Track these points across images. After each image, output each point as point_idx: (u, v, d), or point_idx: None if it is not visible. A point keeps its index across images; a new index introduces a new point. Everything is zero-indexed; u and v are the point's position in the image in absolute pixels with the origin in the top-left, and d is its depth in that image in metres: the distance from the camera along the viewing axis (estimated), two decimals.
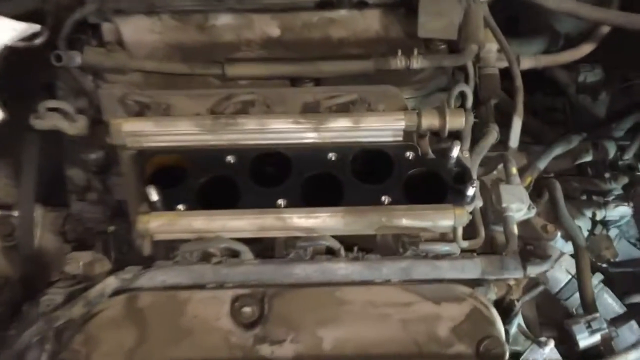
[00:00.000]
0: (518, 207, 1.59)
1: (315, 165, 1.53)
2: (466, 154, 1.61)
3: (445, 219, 1.46)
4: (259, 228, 1.46)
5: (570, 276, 1.67)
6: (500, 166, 1.72)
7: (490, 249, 1.67)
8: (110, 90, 1.61)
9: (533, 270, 1.49)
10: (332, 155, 1.54)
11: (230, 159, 1.55)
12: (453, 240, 1.54)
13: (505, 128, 1.72)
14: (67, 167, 1.82)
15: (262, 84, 1.70)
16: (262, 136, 1.56)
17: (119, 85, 1.65)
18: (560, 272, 1.67)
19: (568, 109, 2.18)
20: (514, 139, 1.74)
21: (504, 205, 1.59)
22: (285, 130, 1.55)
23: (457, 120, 1.56)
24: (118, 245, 1.79)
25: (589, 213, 1.95)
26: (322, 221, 1.46)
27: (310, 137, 1.55)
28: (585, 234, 1.92)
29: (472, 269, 1.42)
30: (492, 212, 1.69)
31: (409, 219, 1.46)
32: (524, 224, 1.70)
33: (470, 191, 1.47)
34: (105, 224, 1.83)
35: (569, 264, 1.68)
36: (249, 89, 1.61)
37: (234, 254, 1.45)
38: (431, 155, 1.57)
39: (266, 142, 1.56)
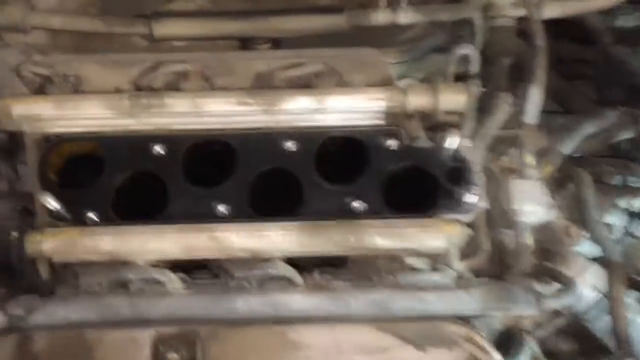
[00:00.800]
0: (533, 209, 1.36)
1: (267, 159, 1.29)
2: (466, 142, 1.29)
3: (435, 238, 1.21)
4: (189, 250, 1.21)
5: (598, 294, 1.43)
6: (512, 151, 1.43)
7: (496, 261, 1.38)
8: (2, 57, 1.28)
9: (551, 304, 1.24)
10: (290, 145, 1.29)
11: (156, 149, 1.28)
12: (445, 262, 1.25)
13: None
14: None
15: (203, 47, 1.46)
16: (199, 120, 1.30)
17: (14, 49, 1.31)
18: (585, 288, 1.42)
19: (601, 62, 1.82)
20: (531, 115, 1.45)
21: (514, 207, 1.35)
22: (229, 113, 1.29)
23: (455, 99, 1.29)
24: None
25: (623, 203, 1.69)
26: (272, 241, 1.21)
27: (261, 120, 1.30)
28: (620, 232, 1.70)
29: (468, 302, 1.20)
30: (500, 214, 1.37)
31: (386, 238, 1.20)
32: (541, 226, 1.40)
33: (471, 197, 1.21)
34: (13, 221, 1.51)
35: (596, 276, 1.44)
36: (182, 56, 1.35)
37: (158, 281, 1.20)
38: (422, 143, 1.29)
39: (204, 128, 1.31)
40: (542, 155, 1.48)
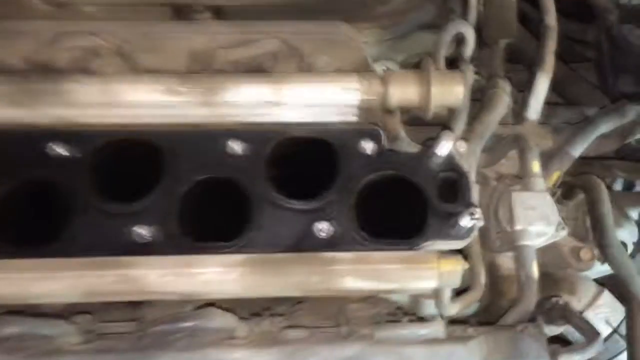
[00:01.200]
0: (541, 229, 1.17)
1: (204, 166, 1.07)
2: (461, 146, 1.10)
3: (423, 278, 1.01)
4: (91, 294, 0.98)
5: (611, 329, 1.29)
6: (512, 154, 1.29)
7: (494, 294, 1.24)
8: None
9: None
10: (235, 148, 1.07)
11: (55, 150, 1.05)
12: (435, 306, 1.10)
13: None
14: None
15: (121, 15, 1.24)
16: (114, 113, 1.07)
17: None
18: (597, 322, 1.27)
19: (605, 43, 1.58)
20: (534, 108, 1.32)
21: (517, 227, 1.17)
22: (155, 104, 1.07)
23: (449, 90, 1.10)
24: None
25: (635, 214, 1.50)
26: (207, 281, 0.99)
27: (198, 115, 1.09)
28: (630, 247, 1.47)
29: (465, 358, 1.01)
30: (500, 236, 1.22)
31: (359, 278, 0.99)
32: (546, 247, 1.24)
33: (468, 219, 1.00)
34: None
35: (610, 307, 1.29)
36: (93, 26, 1.13)
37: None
38: (406, 146, 1.11)
39: (120, 123, 1.08)
40: (548, 158, 1.31)
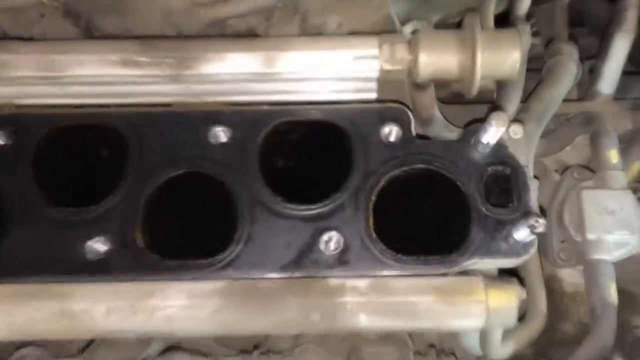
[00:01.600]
0: (621, 240, 0.93)
1: (178, 158, 0.88)
2: (516, 131, 0.88)
3: (465, 315, 0.78)
4: (22, 332, 0.79)
5: None
6: (580, 139, 1.05)
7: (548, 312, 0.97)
8: None
9: None
10: (217, 135, 0.88)
11: None
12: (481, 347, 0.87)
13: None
14: None
15: None
16: (58, 90, 0.88)
17: None
18: None
19: None
20: (610, 80, 1.09)
21: (590, 236, 0.93)
22: (112, 79, 0.87)
23: (502, 59, 0.86)
24: None
25: None
26: (170, 318, 0.77)
27: (167, 93, 0.89)
28: None
29: None
30: (563, 244, 0.99)
31: (374, 315, 0.77)
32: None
33: (526, 233, 0.78)
34: None
35: None
36: None
37: None
38: (442, 131, 0.91)
39: (67, 104, 0.90)
40: (627, 144, 1.06)
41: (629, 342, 0.94)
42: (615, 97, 1.14)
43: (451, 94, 1.01)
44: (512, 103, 0.96)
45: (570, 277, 1.06)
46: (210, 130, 0.87)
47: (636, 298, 1.04)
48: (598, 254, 0.93)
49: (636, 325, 0.98)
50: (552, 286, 1.06)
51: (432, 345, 0.87)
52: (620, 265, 0.99)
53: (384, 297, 0.79)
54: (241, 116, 0.88)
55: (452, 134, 0.90)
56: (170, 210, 0.86)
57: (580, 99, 1.13)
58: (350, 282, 0.78)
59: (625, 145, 1.06)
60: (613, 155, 1.00)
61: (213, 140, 0.87)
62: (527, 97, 1.03)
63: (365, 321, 0.76)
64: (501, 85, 0.97)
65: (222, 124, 0.87)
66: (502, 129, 0.83)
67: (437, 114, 0.92)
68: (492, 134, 0.83)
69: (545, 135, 1.04)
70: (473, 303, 0.78)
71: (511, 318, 0.80)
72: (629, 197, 0.95)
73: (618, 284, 0.96)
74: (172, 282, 0.79)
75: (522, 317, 0.95)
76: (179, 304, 0.78)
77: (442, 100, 0.97)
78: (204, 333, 0.81)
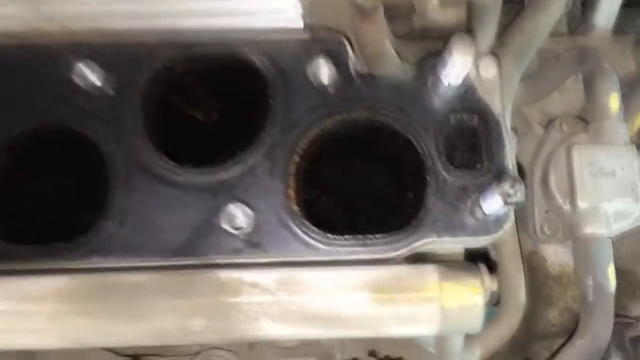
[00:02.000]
0: (623, 209, 0.79)
1: (32, 106, 0.69)
2: (490, 68, 0.72)
3: (411, 319, 0.61)
4: None
5: None
6: (572, 81, 0.91)
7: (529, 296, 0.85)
8: None
9: None
10: (86, 75, 0.69)
11: None
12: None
13: None
14: None
15: None
16: None
17: None
18: None
19: None
20: (607, 11, 0.95)
21: (582, 204, 0.79)
22: None
23: None
24: None
25: None
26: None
27: (16, 17, 0.70)
28: None
29: None
30: (548, 215, 0.86)
31: (280, 320, 0.60)
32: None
33: (498, 202, 0.61)
34: None
35: None
36: None
37: None
38: (391, 68, 0.73)
39: None
40: (629, 89, 0.92)
41: (630, 336, 0.84)
42: (615, 32, 0.99)
43: (414, 29, 0.82)
44: (487, 35, 0.76)
45: (556, 255, 0.94)
46: (74, 70, 0.68)
47: (636, 278, 0.94)
48: (592, 227, 0.80)
49: (638, 316, 0.85)
50: (533, 265, 0.94)
51: (372, 353, 0.69)
52: (618, 241, 0.85)
53: (296, 295, 0.60)
54: (118, 49, 0.70)
55: (405, 73, 0.70)
56: (20, 179, 0.65)
57: (571, 32, 1.00)
58: (249, 276, 0.59)
59: (627, 90, 0.93)
60: (613, 102, 0.85)
61: (80, 82, 0.68)
62: (504, 29, 0.87)
63: (269, 329, 0.58)
64: (473, 13, 0.77)
65: (90, 60, 0.69)
66: (468, 61, 0.65)
67: (389, 50, 0.71)
68: (455, 68, 0.65)
69: (526, 77, 0.89)
70: (422, 302, 0.61)
71: (474, 322, 0.62)
72: (631, 155, 0.81)
73: (616, 264, 0.82)
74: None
75: (496, 304, 0.85)
76: (47, 306, 0.59)
77: (400, 36, 0.78)
78: (38, 346, 0.65)
